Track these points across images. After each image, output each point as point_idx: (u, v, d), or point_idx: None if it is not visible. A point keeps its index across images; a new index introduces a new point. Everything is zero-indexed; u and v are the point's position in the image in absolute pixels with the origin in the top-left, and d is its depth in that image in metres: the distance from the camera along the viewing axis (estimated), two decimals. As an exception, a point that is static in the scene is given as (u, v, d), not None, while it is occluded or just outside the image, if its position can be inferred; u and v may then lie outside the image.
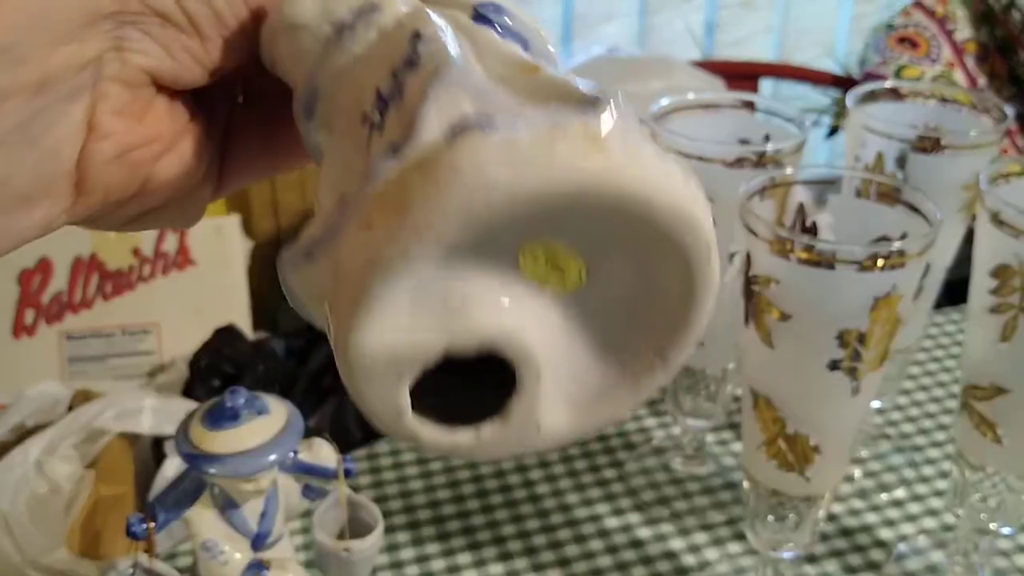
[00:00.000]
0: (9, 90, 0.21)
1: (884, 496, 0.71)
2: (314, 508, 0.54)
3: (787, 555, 0.57)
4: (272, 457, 0.46)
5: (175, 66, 0.24)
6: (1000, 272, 0.49)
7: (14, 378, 0.99)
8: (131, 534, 0.47)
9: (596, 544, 0.67)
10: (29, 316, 1.08)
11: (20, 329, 1.08)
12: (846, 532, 0.67)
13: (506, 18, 0.25)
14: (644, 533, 0.68)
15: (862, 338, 0.46)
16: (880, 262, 0.44)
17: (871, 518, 0.69)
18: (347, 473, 0.52)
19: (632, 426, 0.79)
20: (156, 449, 0.79)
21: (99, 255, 1.11)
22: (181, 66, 0.24)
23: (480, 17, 0.25)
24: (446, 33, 0.23)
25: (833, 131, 1.42)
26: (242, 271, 1.16)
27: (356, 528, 0.54)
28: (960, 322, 0.92)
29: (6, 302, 1.08)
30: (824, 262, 0.44)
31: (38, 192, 0.23)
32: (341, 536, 0.53)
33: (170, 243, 1.14)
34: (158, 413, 0.74)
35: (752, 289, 0.48)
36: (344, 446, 0.77)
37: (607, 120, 0.21)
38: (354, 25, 0.24)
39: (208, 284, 1.15)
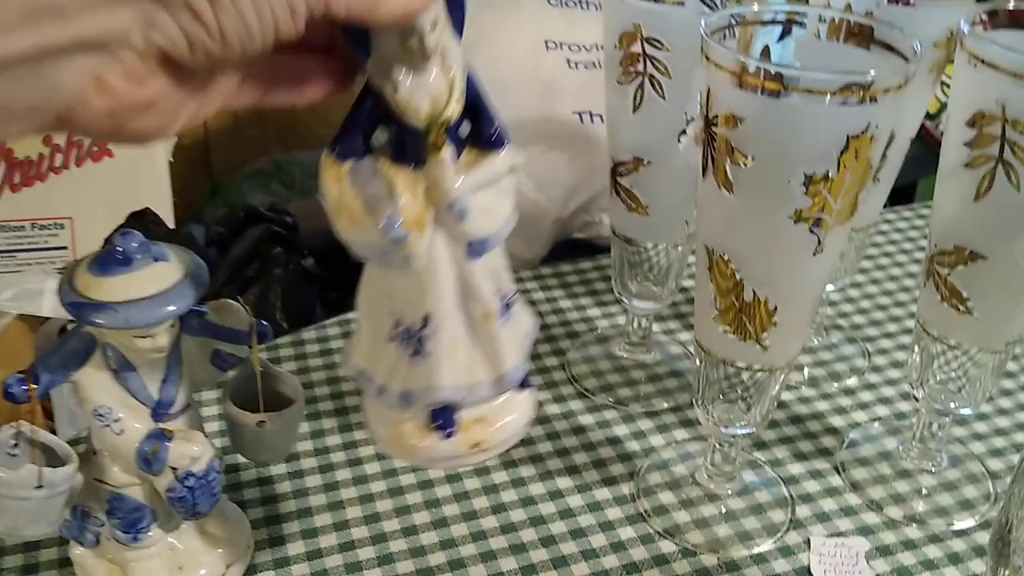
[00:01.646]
0: (50, 45, 0.24)
1: (835, 385, 0.68)
2: (226, 380, 0.49)
3: (740, 431, 0.53)
4: (170, 308, 0.41)
5: (191, 56, 0.26)
6: (977, 120, 0.45)
7: (-88, 271, 0.92)
8: (9, 396, 0.41)
9: (536, 430, 0.63)
10: (-73, 205, 0.99)
11: (-82, 219, 0.99)
12: (796, 419, 0.65)
13: None
14: (586, 420, 0.64)
15: (830, 185, 0.42)
16: (856, 92, 0.39)
17: (822, 406, 0.66)
18: (261, 338, 0.47)
19: (575, 316, 0.75)
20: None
21: (6, 142, 1.02)
22: (196, 58, 0.26)
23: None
24: None
25: None
26: (163, 162, 1.08)
27: (274, 402, 0.49)
28: (912, 219, 0.90)
29: (-99, 189, 0.99)
30: (794, 92, 0.40)
31: (23, 115, 0.26)
32: (255, 410, 0.48)
33: (83, 131, 1.05)
34: (61, 295, 0.68)
35: (712, 132, 0.44)
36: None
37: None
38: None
39: (126, 177, 1.06)
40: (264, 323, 0.47)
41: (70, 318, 0.71)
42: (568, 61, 0.83)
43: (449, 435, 0.40)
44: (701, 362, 0.52)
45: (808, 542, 0.55)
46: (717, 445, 0.56)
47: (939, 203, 0.50)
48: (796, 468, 0.60)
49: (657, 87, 0.54)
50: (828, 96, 0.40)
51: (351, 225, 0.36)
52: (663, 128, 0.56)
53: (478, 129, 0.37)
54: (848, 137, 0.41)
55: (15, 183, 1.04)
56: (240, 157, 1.33)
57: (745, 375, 0.50)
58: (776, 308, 0.47)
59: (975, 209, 0.47)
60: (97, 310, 0.40)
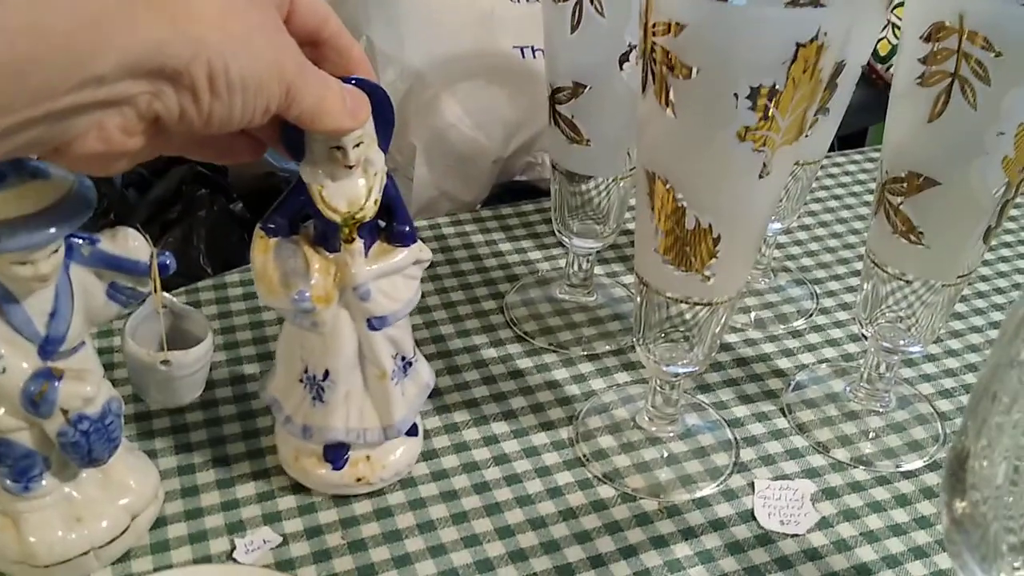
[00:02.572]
0: (83, 104, 0.29)
1: (782, 327, 0.66)
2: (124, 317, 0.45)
3: (682, 370, 0.50)
4: (51, 230, 0.36)
5: (177, 125, 0.32)
6: (933, 34, 0.43)
7: None
8: None
9: (471, 375, 0.60)
10: None
11: None
12: (741, 362, 0.62)
13: None
14: (524, 364, 0.61)
15: (778, 99, 0.39)
16: (805, -7, 0.36)
17: (768, 348, 0.64)
18: (163, 270, 0.43)
19: (515, 258, 0.71)
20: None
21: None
22: (179, 127, 0.32)
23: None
24: None
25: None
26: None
27: (182, 341, 0.45)
28: (862, 162, 0.88)
29: None
30: (738, -7, 0.36)
31: (26, 146, 0.29)
32: (161, 349, 0.45)
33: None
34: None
35: (652, 43, 0.40)
36: (193, 281, 0.68)
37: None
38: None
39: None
40: (165, 253, 0.43)
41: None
42: (508, -7, 0.79)
43: (338, 468, 0.49)
44: (642, 298, 0.49)
45: (752, 485, 0.53)
46: (658, 387, 0.54)
47: (891, 126, 0.47)
48: (741, 411, 0.58)
49: (596, 4, 0.50)
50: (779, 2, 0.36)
51: (268, 292, 0.44)
52: (603, 50, 0.52)
53: (391, 227, 0.45)
54: (797, 45, 0.37)
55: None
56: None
57: (687, 310, 0.47)
58: (719, 237, 0.44)
59: (929, 131, 0.45)
60: (-35, 231, 0.35)
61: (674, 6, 0.39)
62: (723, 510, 0.51)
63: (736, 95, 0.39)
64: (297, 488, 0.51)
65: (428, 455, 0.53)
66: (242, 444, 0.53)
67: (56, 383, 0.40)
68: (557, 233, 0.63)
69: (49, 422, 0.41)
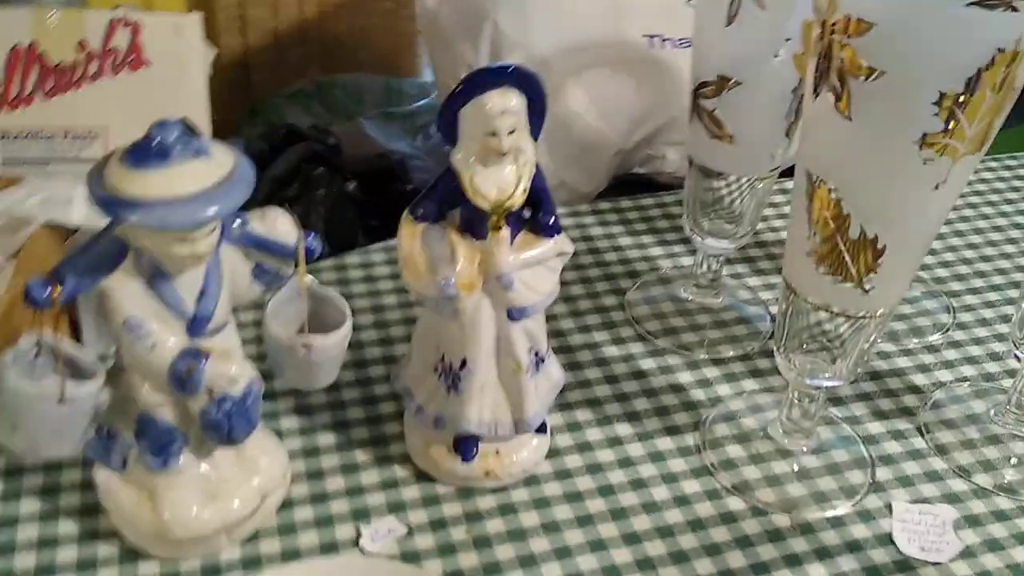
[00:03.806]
0: None
1: (917, 341, 0.63)
2: (269, 298, 0.45)
3: (825, 383, 0.48)
4: (212, 209, 0.36)
5: None
6: None
7: (-61, 177, 0.88)
8: (30, 300, 0.37)
9: (593, 372, 0.58)
10: (-43, 109, 0.95)
11: (-53, 123, 0.95)
12: (875, 375, 0.60)
13: None
14: (647, 364, 0.59)
15: (967, 106, 0.37)
16: (1015, -6, 0.34)
17: (903, 362, 0.61)
18: (309, 253, 0.42)
19: (636, 254, 0.70)
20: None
21: (40, 45, 0.98)
22: None
23: None
24: None
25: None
26: (201, 77, 1.03)
27: (319, 324, 0.45)
28: (998, 170, 0.83)
29: (-70, 90, 0.95)
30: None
31: None
32: (300, 332, 0.44)
33: (121, 38, 1.00)
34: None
35: (831, 41, 0.38)
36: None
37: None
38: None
39: (162, 88, 1.02)
40: (312, 236, 0.43)
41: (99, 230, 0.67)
42: (638, -20, 0.77)
43: (468, 460, 0.49)
44: (787, 304, 0.47)
45: (890, 507, 0.50)
46: (796, 399, 0.52)
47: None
48: (876, 427, 0.56)
49: (756, -3, 0.48)
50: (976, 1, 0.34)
51: (414, 277, 0.44)
52: (758, 44, 0.50)
53: (536, 217, 0.44)
54: (997, 50, 0.35)
55: (48, 90, 1.00)
56: (280, 78, 1.28)
57: (839, 322, 0.45)
58: (885, 248, 0.42)
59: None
60: (131, 208, 0.35)
61: (862, 2, 0.36)
62: (859, 531, 0.49)
63: (922, 100, 0.37)
64: (421, 477, 0.50)
65: (551, 453, 0.52)
66: (365, 430, 0.53)
67: (203, 363, 0.40)
68: (688, 231, 0.61)
69: (193, 400, 0.41)
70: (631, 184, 0.81)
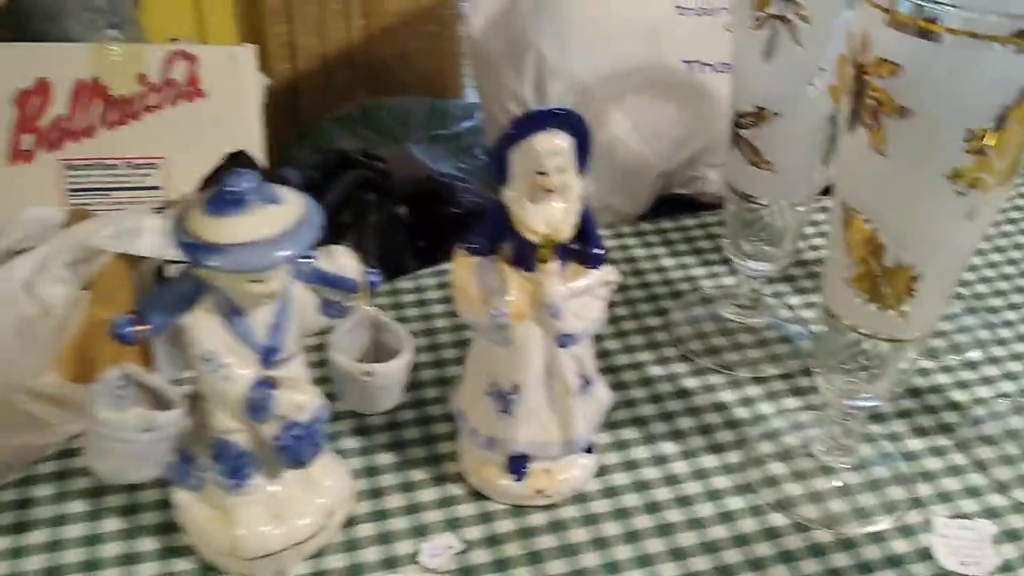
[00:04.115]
0: None
1: (956, 358, 0.64)
2: (331, 328, 0.48)
3: (863, 403, 0.50)
4: (284, 252, 0.39)
5: None
6: None
7: (10, 206, 0.92)
8: (119, 337, 0.40)
9: (637, 392, 0.60)
10: (27, 141, 1.00)
11: (17, 155, 1.00)
12: (914, 392, 0.61)
13: None
14: (690, 384, 0.61)
15: (996, 142, 0.38)
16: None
17: (942, 379, 0.62)
18: (371, 287, 0.45)
19: (678, 275, 0.72)
20: (159, 279, 0.72)
21: (102, 79, 1.02)
22: None
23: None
24: None
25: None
26: (256, 106, 1.07)
27: (379, 353, 0.48)
28: (1040, 184, 0.84)
29: (2, 125, 1.00)
30: (960, 35, 0.36)
31: None
32: (363, 360, 0.47)
33: (179, 71, 1.05)
34: (161, 235, 0.67)
35: (864, 81, 0.40)
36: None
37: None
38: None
39: (219, 117, 1.06)
40: (374, 271, 0.45)
41: (165, 259, 0.71)
42: (676, 7, 0.79)
43: (519, 479, 0.51)
44: (826, 327, 0.49)
45: (930, 522, 0.52)
46: (836, 418, 0.53)
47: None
48: (916, 444, 0.57)
49: (793, 33, 0.50)
50: (1000, 43, 0.36)
51: (467, 307, 0.47)
52: (795, 77, 0.52)
53: (584, 249, 0.47)
54: (1022, 89, 0.37)
55: (111, 121, 1.04)
56: (328, 102, 1.32)
57: (877, 345, 0.47)
58: (919, 276, 0.43)
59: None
60: (210, 252, 0.38)
61: (892, 45, 0.38)
62: (900, 546, 0.51)
63: (951, 137, 0.38)
64: (475, 495, 0.53)
65: (599, 471, 0.54)
66: (421, 449, 0.56)
67: (274, 392, 0.43)
68: (729, 254, 0.63)
69: (265, 426, 0.44)
70: (673, 204, 0.83)
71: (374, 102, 1.25)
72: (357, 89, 1.32)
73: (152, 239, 0.68)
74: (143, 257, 0.69)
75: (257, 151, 1.03)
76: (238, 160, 0.83)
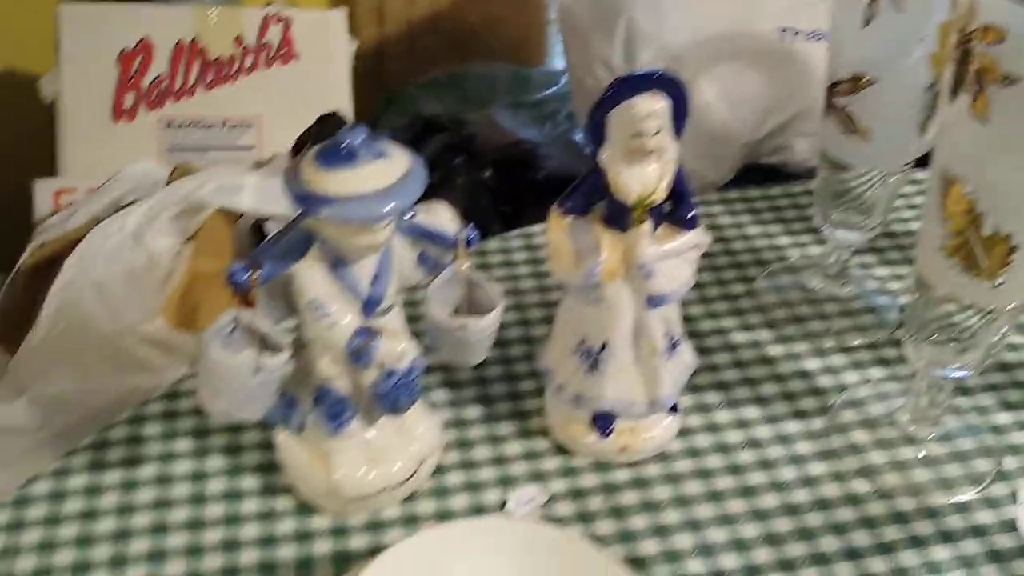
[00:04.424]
0: None
1: (1049, 334, 0.63)
2: (426, 283, 0.49)
3: (953, 374, 0.50)
4: (391, 205, 0.41)
5: None
6: None
7: (112, 163, 0.96)
8: (232, 284, 0.42)
9: (721, 357, 0.61)
10: (128, 100, 1.05)
11: (120, 113, 1.04)
12: (1003, 367, 0.60)
13: None
14: (775, 351, 0.62)
15: (1104, 111, 0.38)
16: None
17: (1033, 355, 0.61)
18: (468, 243, 0.47)
19: (764, 243, 0.72)
20: (256, 233, 0.75)
21: (201, 41, 1.06)
22: None
23: None
24: None
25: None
26: (346, 68, 1.10)
27: (472, 309, 0.49)
28: None
29: (106, 83, 1.04)
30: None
31: None
32: (456, 315, 0.49)
33: (274, 34, 1.08)
34: (260, 191, 0.70)
35: (968, 48, 0.40)
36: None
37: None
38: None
39: (310, 80, 1.09)
40: (471, 228, 0.47)
41: (264, 215, 0.74)
42: (771, -26, 0.79)
43: (605, 436, 0.52)
44: (918, 296, 0.49)
45: (1015, 495, 0.52)
46: (923, 389, 0.53)
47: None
48: (1003, 417, 0.57)
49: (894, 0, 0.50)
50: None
51: (561, 266, 0.48)
52: (896, 44, 0.52)
53: (676, 211, 0.47)
54: None
55: (208, 82, 1.08)
56: (414, 67, 1.33)
57: (969, 314, 0.47)
58: (1018, 246, 0.43)
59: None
60: (323, 204, 0.40)
61: (998, 12, 0.38)
62: (984, 517, 0.51)
63: (1058, 105, 0.38)
64: (560, 451, 0.54)
65: (682, 432, 0.55)
66: (508, 405, 0.57)
67: (376, 340, 0.45)
68: (817, 223, 0.63)
69: (365, 373, 0.46)
70: (759, 172, 0.83)
71: (460, 69, 1.26)
72: (443, 55, 1.34)
73: (252, 195, 0.71)
74: (242, 213, 0.72)
75: (347, 113, 1.05)
76: (331, 121, 0.85)
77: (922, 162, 0.60)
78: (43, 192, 0.97)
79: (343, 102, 1.07)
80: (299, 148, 0.87)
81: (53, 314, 0.64)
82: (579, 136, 1.08)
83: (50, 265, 0.72)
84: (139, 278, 0.66)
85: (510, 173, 0.95)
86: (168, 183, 0.76)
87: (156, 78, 1.05)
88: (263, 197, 0.70)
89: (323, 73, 1.09)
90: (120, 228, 0.67)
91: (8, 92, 1.18)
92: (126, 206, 0.75)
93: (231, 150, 1.06)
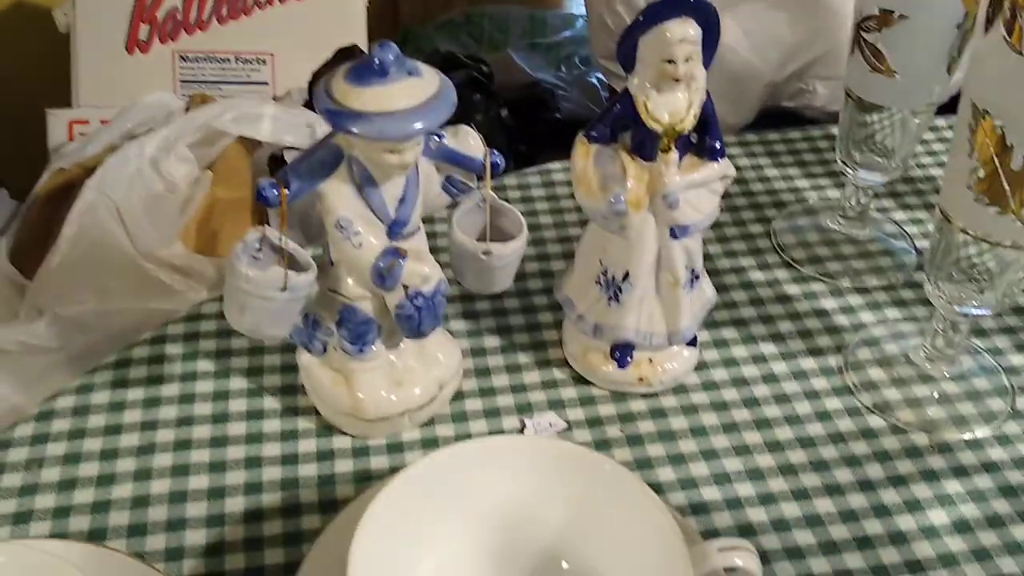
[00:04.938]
0: None
1: (1065, 281, 0.63)
2: (451, 209, 0.49)
3: (974, 311, 0.50)
4: (421, 124, 0.41)
5: None
6: None
7: (126, 94, 0.96)
8: (262, 199, 0.42)
9: (739, 295, 0.61)
10: (143, 31, 1.04)
11: (134, 44, 1.04)
12: (1020, 311, 0.61)
13: None
14: (792, 290, 0.62)
15: None
16: None
17: (1050, 300, 0.62)
18: (494, 168, 0.47)
19: (782, 185, 0.72)
20: (275, 164, 0.75)
21: (214, -29, 1.05)
22: None
23: None
24: None
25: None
26: (361, 5, 1.09)
27: (496, 235, 0.49)
28: None
29: (120, 14, 1.03)
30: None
31: None
32: (481, 240, 0.49)
33: (288, -33, 1.06)
34: (278, 121, 0.70)
35: (1007, -24, 0.40)
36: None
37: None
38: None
39: (325, 16, 1.08)
40: (496, 152, 0.47)
41: (284, 145, 0.74)
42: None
43: (623, 366, 0.53)
44: (941, 234, 0.49)
45: (1028, 434, 0.52)
46: (939, 329, 0.54)
47: None
48: (1018, 359, 0.57)
49: (930, -69, 0.49)
50: None
51: (586, 193, 0.48)
52: (929, -23, 0.51)
53: (703, 142, 0.47)
54: None
55: (222, 15, 1.07)
56: (429, 8, 1.32)
57: (990, 251, 0.47)
58: (1046, 179, 0.43)
59: None
60: (354, 119, 0.40)
61: (1042, -61, 0.38)
62: (996, 454, 0.51)
63: (1097, 35, 0.38)
64: (578, 380, 0.55)
65: (699, 366, 0.56)
66: (526, 335, 0.58)
67: (402, 261, 0.45)
68: (840, 163, 0.63)
69: (390, 295, 0.46)
70: (778, 116, 0.83)
71: (476, 9, 1.25)
72: (458, -5, 1.32)
73: (271, 125, 0.70)
74: (261, 142, 0.72)
75: (364, 49, 1.04)
76: (350, 53, 0.85)
77: (944, 109, 0.60)
78: (57, 122, 0.97)
79: (359, 39, 1.06)
80: (316, 80, 0.86)
81: (72, 237, 0.64)
82: (595, 79, 1.08)
83: (67, 191, 0.72)
84: (158, 203, 0.67)
85: (527, 113, 0.95)
86: (187, 112, 0.75)
87: (171, 10, 1.04)
88: (282, 127, 0.70)
89: (338, 10, 1.07)
90: (139, 154, 0.67)
91: (23, 22, 1.17)
92: (143, 134, 0.75)
93: (245, 84, 1.05)
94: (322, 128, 0.73)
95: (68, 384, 0.53)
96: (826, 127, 0.78)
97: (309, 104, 0.88)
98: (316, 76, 0.85)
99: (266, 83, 1.06)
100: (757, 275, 0.63)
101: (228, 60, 1.06)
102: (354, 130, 0.40)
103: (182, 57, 1.05)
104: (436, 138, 0.46)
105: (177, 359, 0.55)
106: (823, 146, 0.76)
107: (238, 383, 0.54)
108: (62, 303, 0.63)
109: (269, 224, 0.45)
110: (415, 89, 0.41)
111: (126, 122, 0.81)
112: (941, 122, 0.76)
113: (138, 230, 0.64)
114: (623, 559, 0.40)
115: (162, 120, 0.78)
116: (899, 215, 0.69)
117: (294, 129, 0.69)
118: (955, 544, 0.47)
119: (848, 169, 0.62)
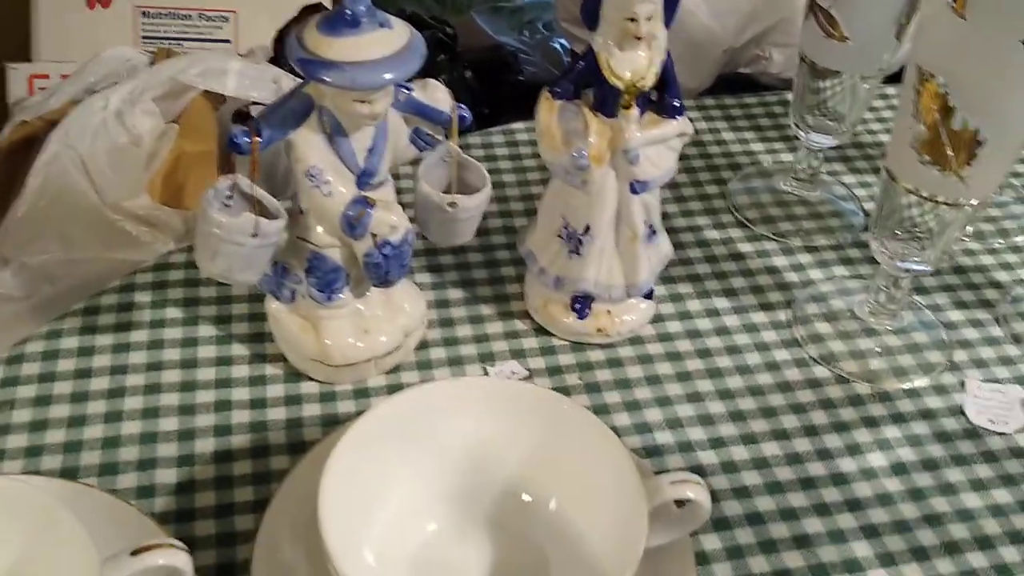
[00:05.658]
0: None
1: (1002, 241, 0.66)
2: (418, 161, 0.51)
3: (915, 267, 0.53)
4: (391, 74, 0.42)
5: None
6: None
7: (86, 49, 0.95)
8: (233, 146, 0.43)
9: (694, 252, 0.64)
10: (103, -15, 1.03)
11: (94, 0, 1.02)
12: (959, 270, 0.64)
13: None
14: (745, 248, 0.64)
15: (1074, 9, 0.40)
16: None
17: (987, 260, 0.65)
18: (461, 121, 0.48)
19: (737, 148, 0.74)
20: (240, 120, 0.75)
21: (177, -71, 1.04)
22: None
23: None
24: None
25: None
26: (325, -36, 1.08)
27: (461, 188, 0.51)
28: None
29: (80, -33, 1.02)
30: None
31: None
32: (447, 192, 0.50)
33: (251, -77, 1.06)
34: (244, 76, 0.70)
35: (952, -56, 0.42)
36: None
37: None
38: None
39: (289, -26, 1.07)
40: (463, 106, 0.48)
41: (250, 100, 0.74)
42: None
43: (582, 317, 0.55)
44: (887, 192, 0.51)
45: (963, 384, 0.55)
46: (883, 285, 0.56)
47: None
48: (956, 315, 0.60)
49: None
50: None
51: (550, 147, 0.49)
52: (879, -53, 0.53)
53: (663, 99, 0.49)
54: (1108, -44, 0.38)
55: (185, -29, 1.06)
56: (391, -31, 1.32)
57: (932, 211, 0.50)
58: (984, 140, 0.46)
59: None
60: (326, 68, 0.41)
61: (984, -91, 0.40)
62: (933, 402, 0.54)
63: (1032, 2, 0.40)
64: (540, 332, 0.57)
65: (655, 319, 0.58)
66: (489, 288, 0.59)
67: (371, 210, 0.46)
68: (793, 126, 0.65)
69: (359, 243, 0.47)
70: (734, 83, 0.85)
71: (440, -29, 1.25)
72: (421, -43, 1.32)
73: (237, 80, 0.71)
74: (226, 97, 0.72)
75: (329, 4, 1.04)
76: (315, 12, 0.85)
77: (892, 79, 0.62)
78: (17, 76, 0.96)
79: (322, -2, 1.06)
80: (281, 38, 0.86)
81: (38, 187, 0.64)
82: (558, 44, 1.09)
83: (29, 143, 0.72)
84: (123, 156, 0.67)
85: (490, 76, 0.96)
86: (151, 66, 0.75)
87: (132, -36, 1.03)
88: (247, 82, 0.70)
89: (302, -33, 1.07)
90: (104, 107, 0.67)
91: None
92: (107, 88, 0.75)
93: (207, 42, 1.05)
94: (288, 83, 0.73)
95: (37, 330, 0.54)
96: (781, 93, 0.80)
97: (273, 62, 0.88)
98: (281, 34, 0.85)
99: (228, 41, 1.06)
100: (712, 233, 0.65)
101: (190, 16, 1.05)
102: (327, 79, 0.41)
103: (144, 12, 1.04)
104: (405, 90, 0.47)
105: (146, 307, 0.56)
106: (778, 111, 0.78)
107: (207, 330, 0.55)
108: (28, 252, 0.64)
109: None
110: (386, 40, 0.42)
111: (88, 76, 0.81)
112: (891, 90, 0.79)
113: (104, 182, 0.65)
114: (581, 492, 0.42)
115: (126, 74, 0.78)
116: (848, 178, 0.71)
117: (259, 84, 0.70)
118: (892, 485, 0.50)
119: (801, 132, 0.65)
